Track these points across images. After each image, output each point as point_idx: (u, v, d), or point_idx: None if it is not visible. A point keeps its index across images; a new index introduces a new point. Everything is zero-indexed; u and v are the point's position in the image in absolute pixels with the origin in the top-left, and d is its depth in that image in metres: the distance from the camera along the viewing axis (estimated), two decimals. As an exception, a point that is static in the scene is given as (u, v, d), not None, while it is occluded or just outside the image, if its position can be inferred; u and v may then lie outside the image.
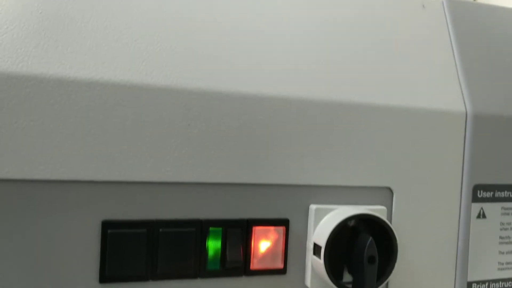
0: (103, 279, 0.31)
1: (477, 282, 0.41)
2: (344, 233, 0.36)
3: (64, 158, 0.30)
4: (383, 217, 0.36)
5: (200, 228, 0.33)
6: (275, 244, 0.35)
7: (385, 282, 0.36)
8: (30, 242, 0.30)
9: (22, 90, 0.29)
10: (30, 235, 0.30)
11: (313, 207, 0.36)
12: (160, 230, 0.32)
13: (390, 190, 0.38)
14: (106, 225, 0.31)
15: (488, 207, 0.41)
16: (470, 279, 0.41)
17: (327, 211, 0.36)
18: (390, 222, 0.37)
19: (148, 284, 0.33)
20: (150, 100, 0.32)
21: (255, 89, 0.34)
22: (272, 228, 0.35)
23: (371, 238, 0.34)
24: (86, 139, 0.30)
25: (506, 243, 0.42)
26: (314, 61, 0.37)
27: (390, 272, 0.36)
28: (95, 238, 0.31)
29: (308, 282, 0.36)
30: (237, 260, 0.34)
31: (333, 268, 0.35)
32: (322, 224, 0.35)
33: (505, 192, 0.42)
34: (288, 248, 0.36)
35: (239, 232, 0.34)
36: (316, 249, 0.35)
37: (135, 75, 0.32)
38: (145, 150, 0.32)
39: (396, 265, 0.36)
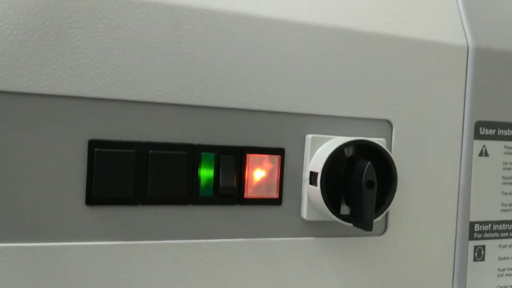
0: (89, 201, 0.30)
1: (480, 223, 0.40)
2: (342, 163, 0.34)
3: (49, 71, 0.29)
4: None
5: (192, 152, 0.32)
6: (270, 174, 0.34)
7: (385, 213, 0.35)
8: (10, 158, 0.29)
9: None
10: (11, 151, 0.29)
11: (309, 136, 0.35)
12: (150, 151, 0.31)
13: (389, 123, 0.37)
14: (93, 144, 0.30)
15: (490, 145, 0.40)
16: (472, 219, 0.39)
17: (324, 140, 0.35)
18: (390, 155, 0.36)
19: (137, 209, 0.31)
20: (139, 15, 0.30)
21: (249, 9, 0.33)
22: (266, 156, 0.34)
23: (369, 162, 0.32)
24: (72, 52, 0.29)
25: (510, 183, 0.41)
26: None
27: (390, 202, 0.34)
28: (82, 158, 0.30)
29: (304, 214, 0.35)
30: (230, 186, 0.32)
31: (330, 198, 0.33)
32: (319, 153, 0.34)
33: (508, 130, 0.40)
34: (284, 178, 0.34)
35: (232, 159, 0.33)
36: (313, 177, 0.34)
37: (123, -12, 0.30)
38: (133, 67, 0.30)
39: (396, 201, 0.35)
